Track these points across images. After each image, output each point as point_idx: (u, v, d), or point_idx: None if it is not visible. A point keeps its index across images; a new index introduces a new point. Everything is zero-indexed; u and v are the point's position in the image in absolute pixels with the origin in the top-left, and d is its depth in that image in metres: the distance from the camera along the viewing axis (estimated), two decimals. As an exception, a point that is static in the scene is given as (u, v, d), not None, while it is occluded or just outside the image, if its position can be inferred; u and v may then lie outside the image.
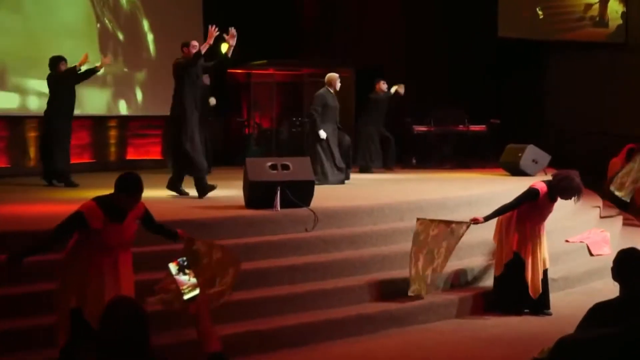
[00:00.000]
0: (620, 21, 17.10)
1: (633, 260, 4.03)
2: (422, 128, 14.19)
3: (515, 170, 12.20)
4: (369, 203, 8.29)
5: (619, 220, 11.71)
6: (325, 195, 9.09)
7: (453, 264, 7.70)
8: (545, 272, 7.38)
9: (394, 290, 7.13)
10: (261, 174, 7.79)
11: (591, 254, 9.35)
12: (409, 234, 7.91)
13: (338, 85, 11.09)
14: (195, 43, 9.49)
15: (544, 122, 18.01)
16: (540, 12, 17.04)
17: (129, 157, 14.46)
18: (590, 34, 17.16)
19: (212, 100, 12.78)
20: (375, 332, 6.71)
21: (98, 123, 14.13)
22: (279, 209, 7.65)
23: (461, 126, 14.31)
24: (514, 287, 7.25)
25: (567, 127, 17.43)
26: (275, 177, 7.75)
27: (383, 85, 13.31)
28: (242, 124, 15.77)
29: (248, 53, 15.83)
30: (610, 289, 8.39)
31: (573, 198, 7.22)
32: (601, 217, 11.58)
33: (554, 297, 7.76)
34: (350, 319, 6.66)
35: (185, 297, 3.33)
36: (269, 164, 7.88)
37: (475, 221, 7.20)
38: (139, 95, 14.52)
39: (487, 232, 7.88)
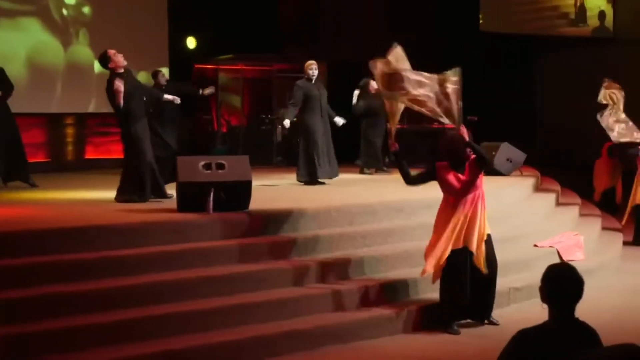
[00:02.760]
0: (605, 16, 16.69)
1: (565, 278, 3.34)
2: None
3: (489, 170, 11.47)
4: (315, 206, 7.60)
5: (597, 223, 11.04)
6: (269, 197, 8.45)
7: (401, 272, 7.04)
8: (488, 240, 6.68)
9: (333, 303, 6.45)
10: (193, 174, 7.10)
11: (562, 260, 8.66)
12: (357, 240, 7.33)
13: (311, 72, 10.38)
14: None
15: (531, 119, 17.60)
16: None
17: (88, 157, 13.79)
18: (572, 29, 16.76)
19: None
20: (309, 349, 6.03)
21: (53, 120, 13.45)
22: (211, 212, 6.96)
23: (436, 124, 13.58)
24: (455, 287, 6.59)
25: (555, 124, 17.02)
26: (208, 178, 7.07)
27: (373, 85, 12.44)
28: (208, 121, 15.07)
29: (223, 48, 15.22)
30: (583, 299, 7.83)
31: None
32: (581, 216, 10.98)
33: (517, 308, 7.12)
34: (282, 336, 5.99)
35: None
36: (203, 163, 7.19)
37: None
38: (98, 91, 13.80)
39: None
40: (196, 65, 15.39)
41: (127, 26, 13.81)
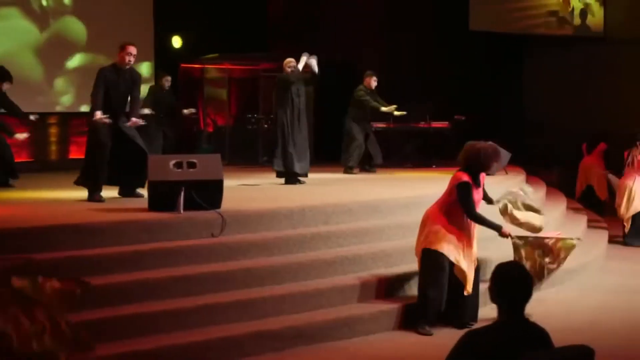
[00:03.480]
0: (586, 14, 16.64)
1: (514, 277, 3.23)
2: (381, 125, 13.35)
3: (474, 170, 11.36)
4: (289, 205, 7.49)
5: (583, 221, 10.94)
6: (246, 197, 8.35)
7: (377, 272, 6.94)
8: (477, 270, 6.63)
9: (304, 303, 6.34)
10: (163, 173, 6.99)
11: None
12: (331, 240, 7.23)
13: (289, 70, 10.25)
14: (131, 50, 8.35)
15: (522, 119, 17.51)
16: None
17: (71, 157, 13.65)
18: (558, 28, 16.71)
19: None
20: (279, 350, 5.92)
21: (37, 120, 13.29)
22: (182, 211, 6.85)
23: (422, 123, 13.48)
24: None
25: (544, 123, 16.90)
26: (178, 177, 6.95)
27: (373, 83, 12.20)
28: (193, 121, 14.95)
29: (209, 47, 15.09)
30: (561, 299, 7.75)
31: (494, 165, 6.62)
32: (566, 215, 10.91)
33: (489, 310, 6.97)
34: (250, 336, 5.87)
35: None
36: (174, 161, 7.07)
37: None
38: (82, 90, 13.68)
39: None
40: (182, 65, 15.27)
41: (110, 25, 13.68)
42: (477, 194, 6.51)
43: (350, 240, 7.32)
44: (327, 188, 9.66)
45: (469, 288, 6.47)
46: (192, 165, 7.06)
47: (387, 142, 13.67)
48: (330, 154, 13.20)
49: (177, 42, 15.24)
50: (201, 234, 6.75)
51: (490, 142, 6.58)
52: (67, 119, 13.76)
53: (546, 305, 7.39)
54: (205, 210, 6.92)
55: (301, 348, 5.98)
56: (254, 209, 7.27)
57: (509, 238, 6.76)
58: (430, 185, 9.46)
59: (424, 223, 6.61)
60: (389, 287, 6.85)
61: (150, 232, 6.56)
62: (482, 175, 6.59)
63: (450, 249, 6.41)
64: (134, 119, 8.26)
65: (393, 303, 6.66)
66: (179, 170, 7.03)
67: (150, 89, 11.93)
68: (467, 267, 6.49)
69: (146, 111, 10.82)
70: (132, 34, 13.62)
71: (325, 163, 12.77)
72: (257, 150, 14.37)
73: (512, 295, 3.19)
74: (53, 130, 13.63)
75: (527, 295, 3.24)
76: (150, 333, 5.67)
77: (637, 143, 10.52)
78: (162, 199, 6.94)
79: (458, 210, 6.46)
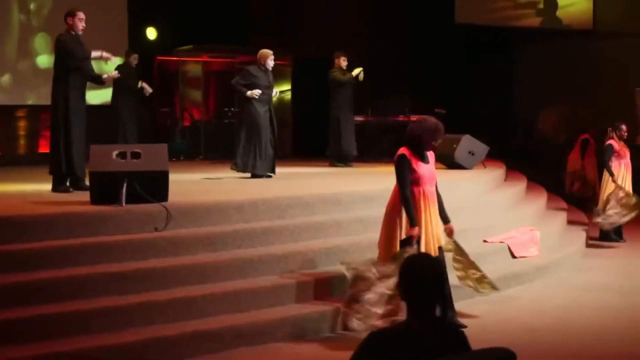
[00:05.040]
0: (556, 6, 16.37)
1: (423, 271, 2.86)
2: (359, 118, 12.99)
3: (451, 163, 11.02)
4: (240, 198, 7.12)
5: (562, 217, 10.58)
6: (201, 190, 7.99)
7: (330, 269, 6.58)
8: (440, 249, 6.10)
9: (247, 301, 5.98)
10: (105, 164, 6.62)
11: (513, 256, 8.22)
12: (284, 234, 6.87)
13: (269, 63, 9.85)
14: (82, 16, 7.99)
15: (509, 112, 17.24)
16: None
17: (41, 151, 13.27)
18: (543, 20, 16.41)
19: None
20: (217, 352, 5.57)
21: (4, 113, 12.97)
22: (124, 204, 6.49)
23: (401, 116, 13.12)
24: None
25: (532, 117, 16.60)
26: (121, 167, 6.59)
27: (343, 62, 11.94)
28: (167, 114, 14.57)
29: (185, 39, 14.72)
30: (530, 297, 7.40)
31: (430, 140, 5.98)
32: (547, 210, 10.60)
33: (460, 307, 6.63)
34: (186, 337, 5.51)
35: None
36: (117, 151, 6.70)
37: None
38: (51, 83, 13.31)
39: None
40: (158, 57, 14.89)
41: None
42: (425, 170, 6.01)
43: (305, 235, 6.97)
44: (291, 182, 9.30)
45: None
46: (136, 155, 6.70)
47: (364, 135, 13.32)
48: (311, 149, 12.99)
49: (151, 33, 14.85)
50: (143, 229, 6.38)
51: (434, 118, 6.15)
52: (37, 112, 13.37)
53: (514, 303, 7.12)
54: (150, 203, 6.54)
55: (241, 349, 5.64)
56: (203, 202, 6.89)
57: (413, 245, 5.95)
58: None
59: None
60: (342, 285, 6.46)
61: (88, 226, 6.21)
62: (430, 153, 6.15)
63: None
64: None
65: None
66: (122, 160, 6.66)
67: (118, 68, 11.37)
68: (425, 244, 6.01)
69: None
70: (105, 25, 13.30)
71: (305, 158, 12.48)
72: (233, 144, 13.95)
73: (421, 291, 2.81)
74: (21, 124, 13.27)
75: (438, 292, 2.86)
76: (78, 333, 5.32)
77: (609, 130, 10.28)
78: (104, 191, 6.57)
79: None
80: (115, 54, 12.86)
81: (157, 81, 14.55)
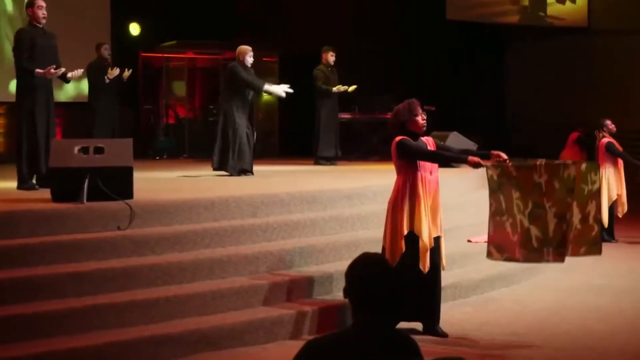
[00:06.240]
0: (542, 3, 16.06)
1: (368, 271, 2.54)
2: (346, 115, 12.69)
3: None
4: (211, 195, 6.81)
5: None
6: (172, 188, 7.69)
7: (303, 270, 6.27)
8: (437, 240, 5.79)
9: (212, 303, 5.67)
10: (66, 159, 6.32)
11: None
12: (256, 233, 6.57)
13: (248, 59, 9.55)
14: (41, 3, 7.64)
15: (502, 110, 17.06)
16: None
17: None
18: (536, 17, 16.21)
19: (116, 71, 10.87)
20: (179, 357, 5.25)
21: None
22: (85, 201, 6.18)
23: (389, 113, 12.79)
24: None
25: (525, 114, 16.40)
26: (82, 163, 6.28)
27: (331, 57, 11.61)
28: (150, 112, 14.27)
29: (169, 35, 14.43)
30: (513, 299, 7.10)
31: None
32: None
33: (443, 309, 6.28)
34: (146, 341, 5.20)
35: None
36: (79, 146, 6.40)
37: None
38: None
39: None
40: (142, 53, 14.58)
41: (63, 10, 12.99)
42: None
43: (279, 234, 6.66)
44: (271, 180, 9.01)
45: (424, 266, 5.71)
46: (99, 150, 6.39)
47: (352, 133, 13.04)
48: (297, 146, 12.70)
49: (135, 29, 14.54)
50: (106, 227, 6.07)
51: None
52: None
53: (498, 305, 6.84)
54: (113, 201, 6.23)
55: (204, 354, 5.33)
56: (170, 200, 6.58)
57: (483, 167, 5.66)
58: (382, 176, 8.80)
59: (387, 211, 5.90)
60: (314, 286, 6.18)
61: (47, 224, 5.89)
62: (428, 139, 5.86)
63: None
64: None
65: (315, 305, 5.97)
66: (85, 155, 6.36)
67: (90, 65, 11.01)
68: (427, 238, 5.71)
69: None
70: (87, 20, 13.01)
71: (291, 156, 12.20)
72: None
73: (365, 295, 2.50)
74: (1, 121, 12.95)
75: (386, 296, 2.54)
76: (26, 338, 5.00)
77: (596, 131, 10.01)
78: (65, 187, 6.26)
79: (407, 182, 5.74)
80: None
81: (141, 78, 14.25)
